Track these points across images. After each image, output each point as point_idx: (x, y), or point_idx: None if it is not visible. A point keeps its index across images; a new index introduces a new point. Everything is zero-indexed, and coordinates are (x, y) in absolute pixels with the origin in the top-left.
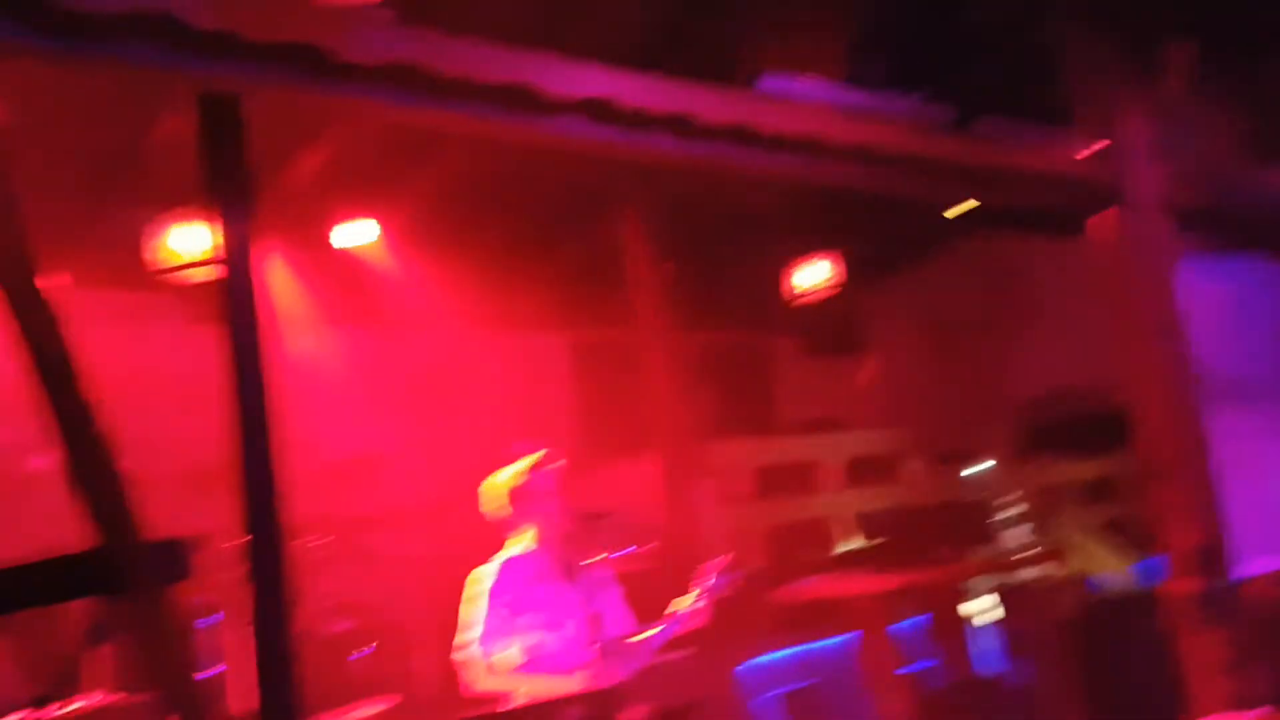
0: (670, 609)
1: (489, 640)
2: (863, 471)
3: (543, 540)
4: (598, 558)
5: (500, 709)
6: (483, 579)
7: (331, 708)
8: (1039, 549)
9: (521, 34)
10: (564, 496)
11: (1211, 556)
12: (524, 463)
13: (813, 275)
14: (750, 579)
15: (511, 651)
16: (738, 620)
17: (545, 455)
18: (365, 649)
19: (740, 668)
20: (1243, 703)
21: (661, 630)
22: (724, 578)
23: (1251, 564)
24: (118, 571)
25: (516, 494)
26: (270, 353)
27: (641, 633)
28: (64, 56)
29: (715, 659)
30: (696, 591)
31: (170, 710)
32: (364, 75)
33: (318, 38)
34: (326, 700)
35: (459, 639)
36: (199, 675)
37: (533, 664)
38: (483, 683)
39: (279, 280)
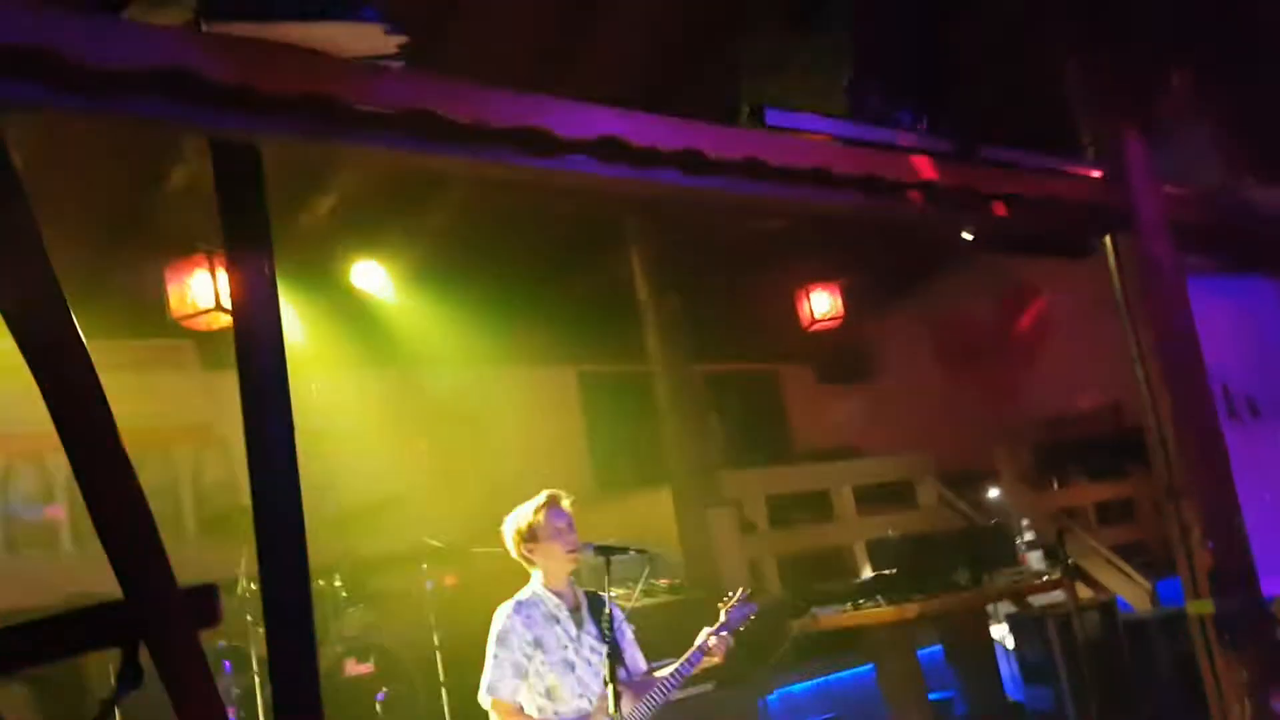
0: (693, 645)
1: (502, 685)
2: (879, 498)
3: (552, 580)
4: (612, 594)
5: None
6: (498, 621)
7: None
8: (1058, 573)
9: (528, 79)
10: (572, 535)
11: (1233, 576)
12: (532, 504)
13: (823, 303)
14: (767, 611)
15: (522, 696)
16: (760, 652)
17: (551, 495)
18: (385, 691)
19: (764, 700)
20: None
21: (679, 667)
22: (738, 612)
23: (1273, 584)
24: (148, 619)
25: (526, 535)
26: (288, 397)
27: (657, 669)
28: (84, 112)
29: (740, 691)
30: (712, 628)
31: None
32: (377, 122)
33: (331, 88)
34: None
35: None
36: None
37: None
38: None
39: (294, 324)
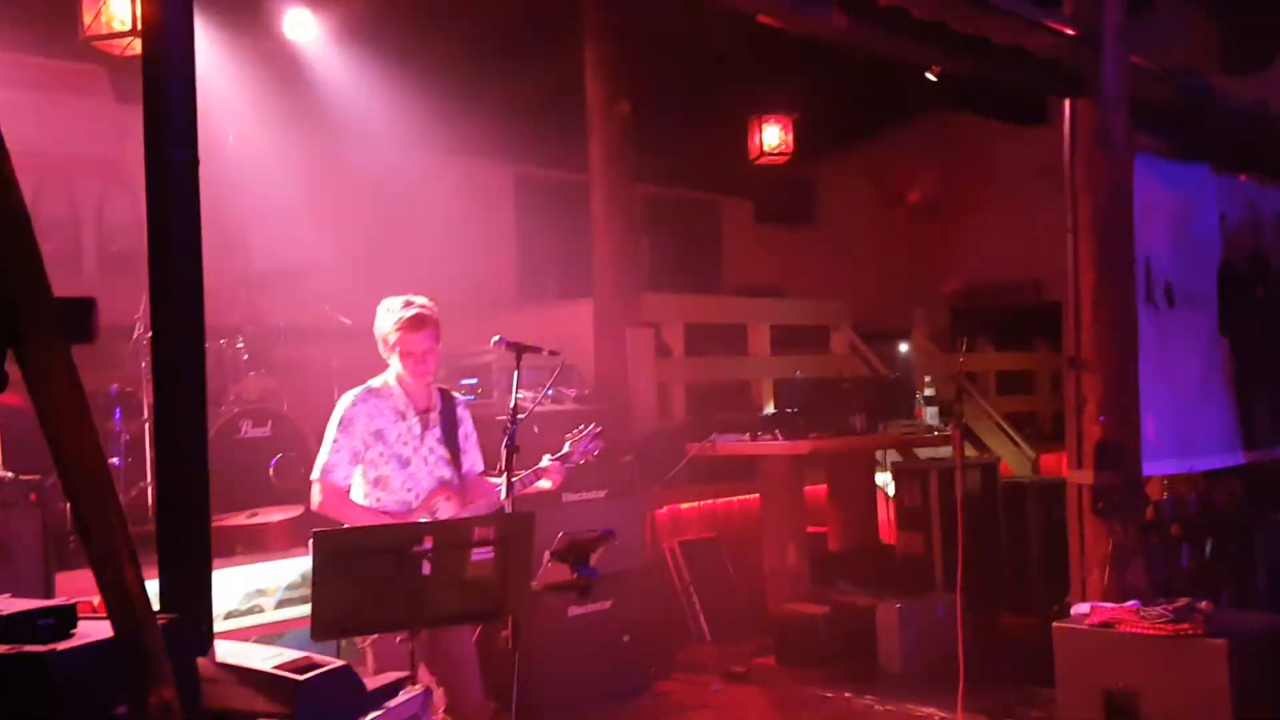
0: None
1: (337, 469)
2: (794, 339)
3: (403, 378)
4: (519, 395)
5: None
6: (343, 406)
7: (240, 510)
8: (949, 429)
9: None
10: (428, 360)
11: (1118, 452)
12: (396, 314)
13: (773, 135)
14: (669, 432)
15: (354, 480)
16: (656, 469)
17: (417, 316)
18: (280, 456)
19: (651, 513)
20: (1117, 595)
21: (513, 481)
22: (582, 446)
23: (1151, 465)
24: (18, 324)
25: (381, 340)
26: (195, 131)
27: (492, 476)
28: None
29: (631, 502)
30: (555, 455)
31: (63, 472)
32: None
33: None
34: (236, 502)
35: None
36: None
37: (370, 506)
38: (318, 505)
39: (216, 65)
